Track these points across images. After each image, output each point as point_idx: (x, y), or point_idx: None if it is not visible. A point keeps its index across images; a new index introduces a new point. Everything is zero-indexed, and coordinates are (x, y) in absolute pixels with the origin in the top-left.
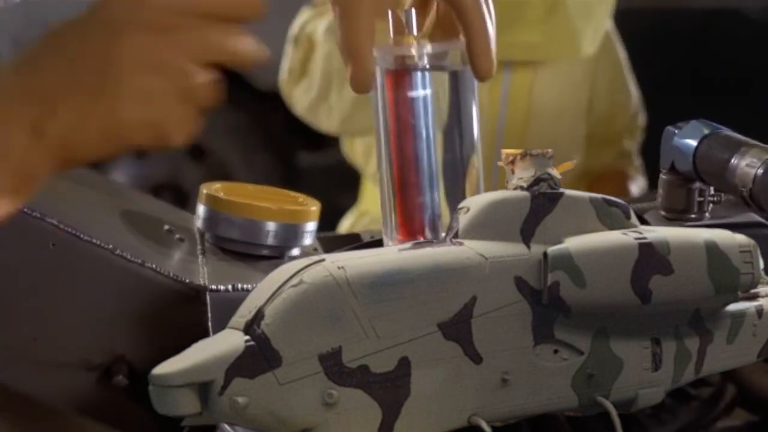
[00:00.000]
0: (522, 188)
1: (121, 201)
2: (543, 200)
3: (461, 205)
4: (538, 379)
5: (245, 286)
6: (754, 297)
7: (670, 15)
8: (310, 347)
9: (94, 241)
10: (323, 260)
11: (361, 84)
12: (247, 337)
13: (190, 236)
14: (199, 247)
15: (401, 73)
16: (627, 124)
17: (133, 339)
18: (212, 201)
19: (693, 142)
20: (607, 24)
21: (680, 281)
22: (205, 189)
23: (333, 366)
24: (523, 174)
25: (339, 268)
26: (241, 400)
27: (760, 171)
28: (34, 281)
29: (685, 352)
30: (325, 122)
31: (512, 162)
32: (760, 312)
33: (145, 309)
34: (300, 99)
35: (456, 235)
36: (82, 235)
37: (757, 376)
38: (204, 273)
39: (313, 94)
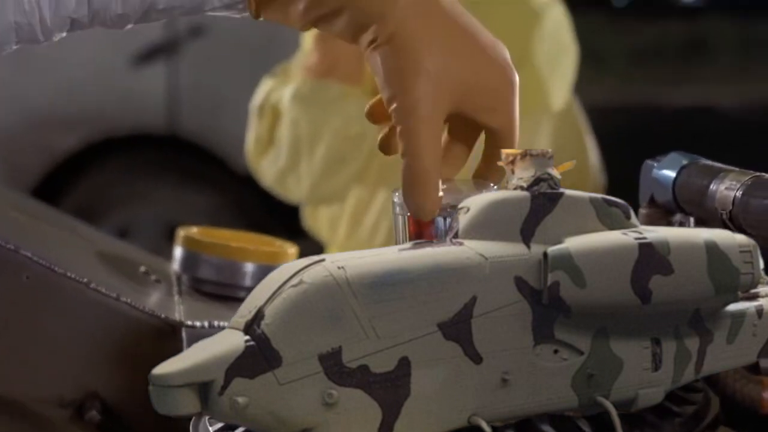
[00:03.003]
0: (522, 188)
1: (96, 243)
2: (543, 200)
3: (461, 205)
4: (538, 379)
5: (222, 323)
6: (754, 297)
7: (645, 112)
8: (310, 347)
9: (69, 274)
10: (323, 260)
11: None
12: (247, 337)
13: (166, 278)
14: (175, 288)
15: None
16: (589, 185)
17: (106, 374)
18: (190, 242)
19: (672, 173)
20: (572, 78)
21: (680, 281)
22: (183, 231)
23: (333, 366)
24: (523, 174)
25: (339, 268)
26: (241, 400)
27: (739, 193)
28: (7, 314)
29: (685, 352)
30: (294, 191)
31: (512, 162)
32: (760, 312)
33: (119, 344)
34: (267, 169)
35: (456, 235)
36: (56, 268)
37: (740, 384)
38: (180, 310)
39: (281, 163)
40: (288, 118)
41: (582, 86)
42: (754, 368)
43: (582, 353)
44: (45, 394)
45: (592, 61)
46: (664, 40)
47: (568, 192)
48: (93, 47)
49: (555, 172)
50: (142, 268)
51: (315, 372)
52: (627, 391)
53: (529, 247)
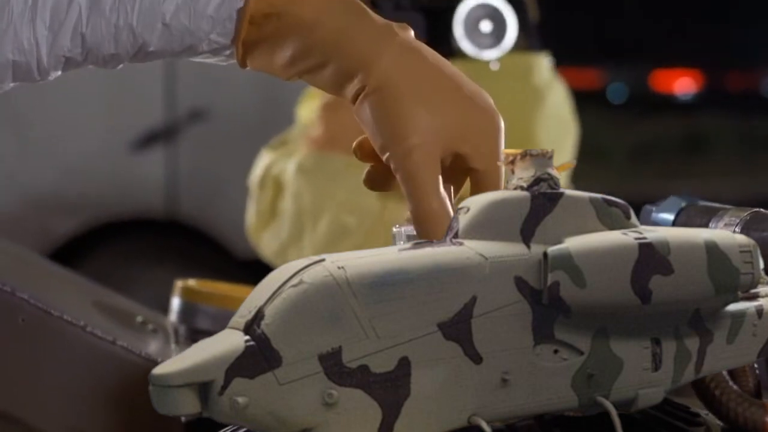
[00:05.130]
0: (522, 188)
1: (93, 293)
2: (543, 200)
3: (461, 205)
4: (538, 379)
5: None
6: (754, 297)
7: (647, 203)
8: (310, 347)
9: (65, 317)
10: (323, 260)
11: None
12: (247, 337)
13: (163, 329)
14: (172, 337)
15: None
16: None
17: (101, 418)
18: (188, 293)
19: (671, 216)
20: (572, 155)
21: (680, 281)
22: (180, 283)
23: (333, 366)
24: (523, 174)
25: (339, 268)
26: (241, 400)
27: (738, 228)
28: (1, 356)
29: (685, 352)
30: None
31: (512, 162)
32: (760, 312)
33: (115, 388)
34: (269, 243)
35: (456, 235)
36: (52, 311)
37: (743, 408)
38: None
39: (283, 235)
40: (291, 191)
41: (581, 181)
42: (756, 392)
43: (582, 353)
44: None
45: (591, 157)
46: (662, 136)
47: (568, 192)
48: (93, 132)
49: (555, 172)
50: (139, 318)
51: (315, 372)
52: (627, 391)
53: (529, 247)
